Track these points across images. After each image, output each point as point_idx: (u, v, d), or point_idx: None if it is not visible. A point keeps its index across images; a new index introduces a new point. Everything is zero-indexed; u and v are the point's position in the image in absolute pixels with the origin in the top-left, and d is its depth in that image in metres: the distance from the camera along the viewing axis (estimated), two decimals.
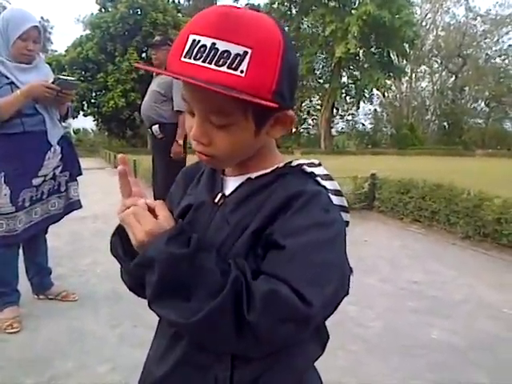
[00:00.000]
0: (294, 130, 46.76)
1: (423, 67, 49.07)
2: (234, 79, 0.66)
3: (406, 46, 35.32)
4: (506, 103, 45.17)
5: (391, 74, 36.56)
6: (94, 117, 37.68)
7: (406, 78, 44.39)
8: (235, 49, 0.66)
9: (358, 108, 43.34)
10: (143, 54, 34.58)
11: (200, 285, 0.65)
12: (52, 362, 2.32)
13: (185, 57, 0.69)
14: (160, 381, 0.80)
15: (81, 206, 3.11)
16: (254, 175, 0.78)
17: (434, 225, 5.40)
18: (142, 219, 0.70)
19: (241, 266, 0.68)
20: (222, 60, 0.66)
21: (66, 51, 35.10)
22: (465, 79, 47.00)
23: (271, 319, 0.64)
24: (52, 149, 2.81)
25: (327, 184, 0.77)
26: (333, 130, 43.91)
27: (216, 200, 0.80)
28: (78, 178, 3.08)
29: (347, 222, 0.80)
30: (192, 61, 0.68)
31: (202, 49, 0.67)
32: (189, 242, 0.68)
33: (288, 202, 0.71)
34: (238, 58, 0.66)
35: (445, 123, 47.14)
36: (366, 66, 35.86)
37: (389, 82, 38.21)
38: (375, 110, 49.62)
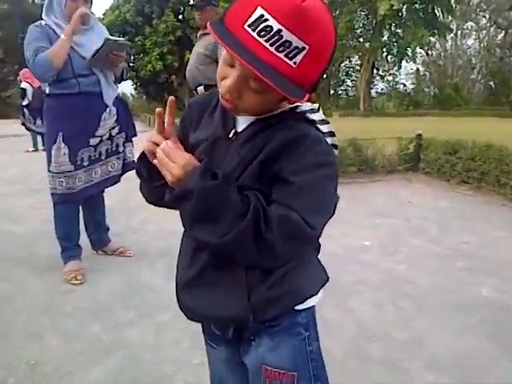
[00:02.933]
0: (332, 91, 45.81)
1: (470, 23, 46.47)
2: (287, 68, 0.75)
3: (452, 0, 33.42)
4: None
5: (435, 31, 34.77)
6: (133, 81, 37.90)
7: (451, 35, 42.19)
8: (297, 42, 0.74)
9: (400, 67, 41.65)
10: (180, 16, 34.27)
11: (226, 211, 0.77)
12: (115, 311, 2.48)
13: (249, 26, 0.75)
14: (190, 280, 0.96)
15: None
16: (262, 116, 0.88)
17: (482, 186, 5.26)
18: (176, 157, 0.81)
19: (254, 194, 0.82)
20: (282, 47, 0.74)
21: (104, 14, 35.12)
22: None
23: (284, 237, 0.78)
24: (107, 110, 2.89)
25: (324, 128, 0.89)
26: (372, 91, 42.65)
27: (230, 136, 0.91)
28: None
29: (336, 146, 0.92)
30: (255, 35, 0.74)
31: (268, 28, 0.73)
32: (215, 175, 0.79)
33: (294, 143, 0.82)
34: (296, 51, 0.75)
35: (491, 83, 44.84)
36: (408, 23, 34.23)
37: (433, 39, 36.48)
38: (417, 69, 47.62)
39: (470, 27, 46.96)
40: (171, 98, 0.87)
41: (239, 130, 0.90)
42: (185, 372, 1.96)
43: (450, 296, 2.67)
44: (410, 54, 36.90)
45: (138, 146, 0.92)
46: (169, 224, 3.86)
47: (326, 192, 0.85)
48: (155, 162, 0.85)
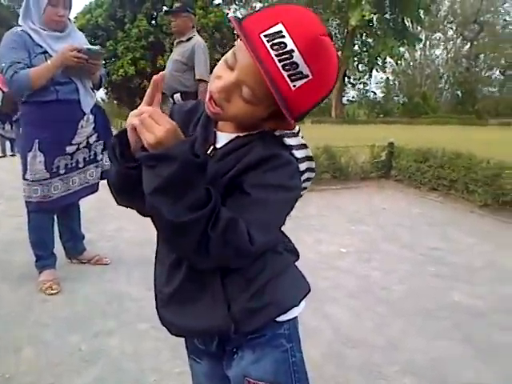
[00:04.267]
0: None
1: (438, 34, 47.82)
2: (286, 87, 0.78)
3: (421, 12, 34.32)
4: None
5: (405, 42, 35.62)
6: (104, 86, 37.34)
7: (420, 45, 43.31)
8: (303, 68, 0.77)
9: (371, 76, 42.49)
10: (153, 21, 34.05)
11: (193, 192, 0.76)
12: (94, 321, 2.45)
13: (265, 36, 0.77)
14: (169, 296, 0.96)
15: None
16: (242, 134, 0.90)
17: (451, 193, 5.43)
18: (161, 120, 0.76)
19: (216, 192, 0.80)
20: (288, 67, 0.77)
21: (76, 18, 34.56)
22: (480, 46, 45.74)
23: (224, 240, 0.77)
24: (85, 117, 2.86)
25: (300, 153, 0.89)
26: (343, 99, 43.27)
27: (208, 152, 0.91)
28: None
29: (313, 169, 0.94)
30: (269, 47, 0.77)
31: (282, 45, 0.76)
32: (197, 156, 0.77)
33: (263, 161, 0.83)
34: (299, 75, 0.78)
35: (458, 92, 46.17)
36: (379, 32, 34.99)
37: (402, 49, 37.31)
38: (387, 78, 48.66)
39: (438, 38, 48.34)
40: (161, 73, 0.85)
41: (218, 146, 0.91)
42: (166, 381, 1.96)
43: (423, 301, 2.75)
44: (380, 63, 37.75)
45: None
46: (144, 232, 3.83)
47: (277, 214, 0.86)
48: (135, 123, 0.78)
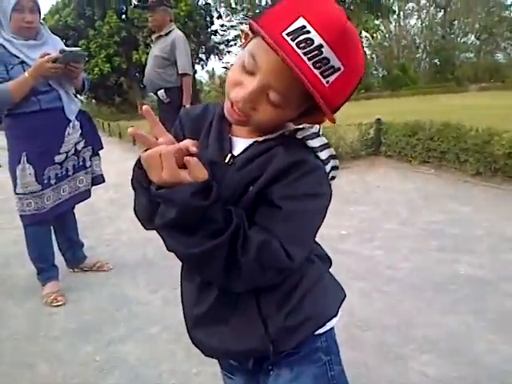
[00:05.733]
0: None
1: (411, 4, 47.75)
2: (320, 86, 0.72)
3: None
4: (497, 34, 44.28)
5: (379, 14, 35.53)
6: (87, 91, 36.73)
7: (394, 16, 43.23)
8: (334, 61, 0.72)
9: None
10: (123, 16, 33.48)
11: (205, 229, 0.72)
12: (105, 329, 2.43)
13: (288, 35, 0.71)
14: (200, 317, 0.92)
15: (104, 181, 3.11)
16: (260, 139, 0.85)
17: (443, 164, 5.45)
18: (166, 162, 0.69)
19: (240, 214, 0.76)
20: (319, 64, 0.71)
21: (44, 19, 33.74)
22: (453, 13, 45.82)
23: (260, 264, 0.74)
24: (71, 124, 2.80)
25: (324, 154, 0.84)
26: None
27: (226, 160, 0.86)
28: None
29: (337, 167, 0.89)
30: (294, 46, 0.70)
31: (308, 41, 0.70)
32: (209, 195, 0.72)
33: (290, 168, 0.78)
34: (331, 70, 0.72)
35: (436, 60, 46.32)
36: (352, 7, 34.80)
37: (377, 22, 37.21)
38: (365, 52, 48.45)
39: (411, 7, 48.26)
40: (145, 107, 0.76)
41: (235, 153, 0.86)
42: (186, 383, 1.95)
43: (430, 276, 2.77)
44: None
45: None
46: (142, 232, 3.77)
47: (312, 224, 0.82)
48: (144, 157, 0.73)
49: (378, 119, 6.43)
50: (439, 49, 44.93)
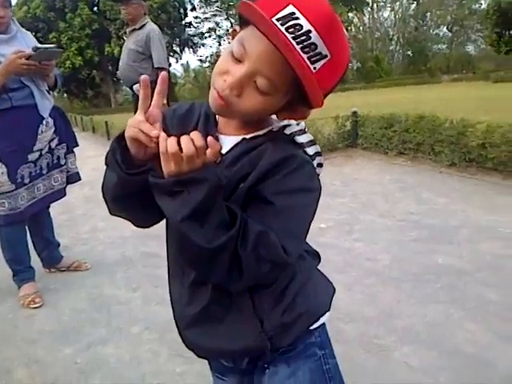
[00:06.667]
0: None
1: None
2: (308, 71, 0.73)
3: None
4: (468, 26, 45.11)
5: (353, 7, 35.81)
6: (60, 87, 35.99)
7: (368, 8, 43.58)
8: (322, 48, 0.73)
9: None
10: (95, 8, 32.86)
11: (217, 215, 0.71)
12: (84, 330, 2.39)
13: (278, 20, 0.72)
14: (194, 317, 0.90)
15: (79, 179, 3.05)
16: (248, 136, 0.85)
17: (419, 156, 5.52)
18: (188, 155, 0.68)
19: (237, 206, 0.76)
20: (307, 49, 0.72)
21: (12, 12, 32.91)
22: (426, 5, 46.42)
23: (257, 256, 0.73)
24: (44, 121, 2.73)
25: (311, 150, 0.86)
26: None
27: None
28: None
29: (321, 164, 0.90)
30: (283, 30, 0.71)
31: (297, 27, 0.71)
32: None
33: (281, 163, 0.78)
34: (318, 56, 0.73)
35: (409, 52, 46.97)
36: (328, 0, 34.92)
37: (351, 14, 37.50)
38: (351, 47, 48.92)
39: (384, 0, 48.66)
40: (164, 72, 0.77)
41: (223, 151, 0.84)
42: (170, 383, 1.93)
43: (409, 267, 2.80)
44: None
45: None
46: (119, 230, 3.76)
47: (306, 219, 0.82)
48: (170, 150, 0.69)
49: (355, 112, 6.48)
50: (412, 41, 45.55)
